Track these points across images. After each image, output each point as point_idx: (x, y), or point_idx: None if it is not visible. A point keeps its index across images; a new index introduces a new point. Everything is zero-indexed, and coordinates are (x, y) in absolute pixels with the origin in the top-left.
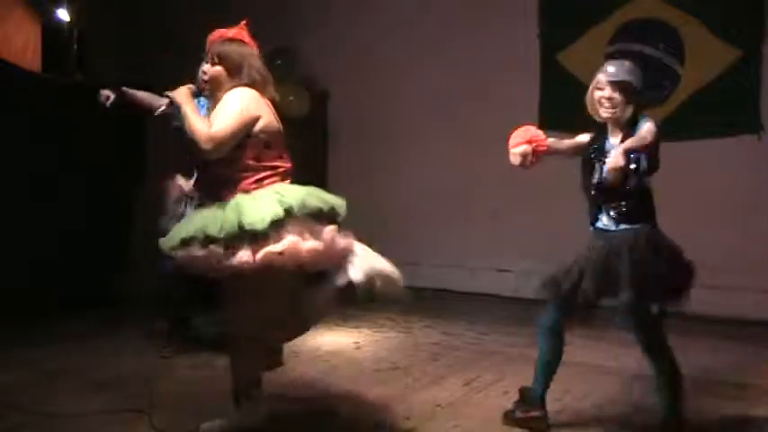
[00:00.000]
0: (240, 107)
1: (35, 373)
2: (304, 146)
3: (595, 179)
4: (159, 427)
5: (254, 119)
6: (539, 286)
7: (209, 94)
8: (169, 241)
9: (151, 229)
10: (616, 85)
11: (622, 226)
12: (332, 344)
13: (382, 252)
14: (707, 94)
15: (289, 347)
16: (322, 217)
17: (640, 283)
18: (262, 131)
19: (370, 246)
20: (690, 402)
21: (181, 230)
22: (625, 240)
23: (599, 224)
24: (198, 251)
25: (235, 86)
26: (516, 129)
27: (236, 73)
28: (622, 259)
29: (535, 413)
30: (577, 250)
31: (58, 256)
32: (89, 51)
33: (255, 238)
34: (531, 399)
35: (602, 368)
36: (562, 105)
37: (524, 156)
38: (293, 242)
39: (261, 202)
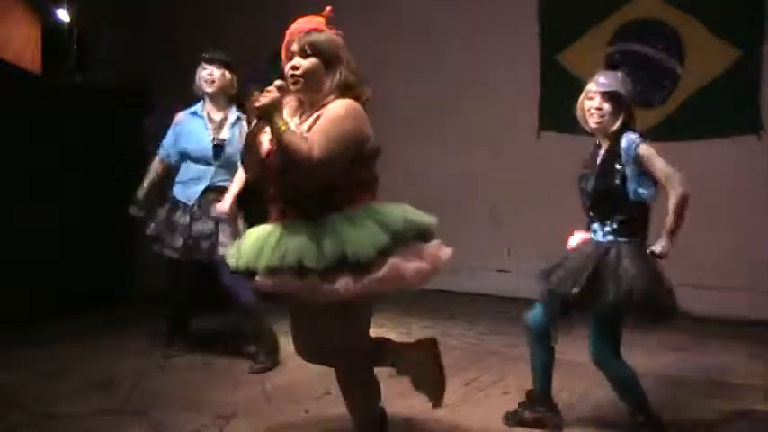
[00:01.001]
0: (348, 125)
1: (35, 373)
2: None
3: (588, 189)
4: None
5: (364, 140)
6: (540, 283)
7: (301, 91)
8: (246, 263)
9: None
10: (606, 95)
11: (610, 238)
12: None
13: None
14: (707, 94)
15: (288, 348)
16: (419, 235)
17: (623, 296)
18: (366, 151)
19: None
20: (690, 402)
21: (263, 255)
22: (611, 253)
23: (591, 233)
24: (292, 281)
25: (338, 91)
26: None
27: (333, 66)
28: (607, 271)
29: (545, 412)
30: (568, 253)
31: (57, 256)
32: (89, 51)
33: (359, 265)
34: (538, 398)
35: None
36: (562, 105)
37: None
38: (396, 266)
39: (363, 230)
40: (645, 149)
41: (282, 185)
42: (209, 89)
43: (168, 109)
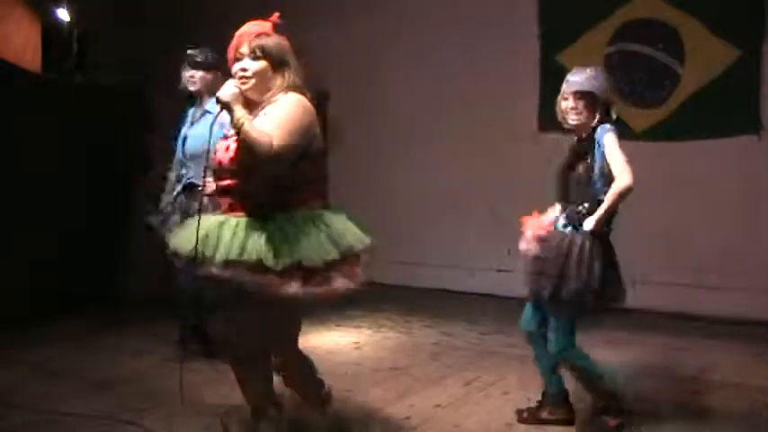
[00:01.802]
0: (302, 118)
1: (35, 373)
2: None
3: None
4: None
5: (314, 134)
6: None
7: (249, 91)
8: (192, 251)
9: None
10: (578, 94)
11: (569, 228)
12: (332, 344)
13: (382, 252)
14: (707, 94)
15: None
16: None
17: (581, 285)
18: (316, 147)
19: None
20: (690, 402)
21: (220, 246)
22: (574, 242)
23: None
24: (249, 276)
25: (286, 90)
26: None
27: (280, 68)
28: (570, 259)
29: (564, 413)
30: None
31: (58, 256)
32: (89, 51)
33: (307, 271)
34: (554, 399)
35: None
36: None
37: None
38: (340, 282)
39: (314, 239)
40: (609, 138)
41: (239, 179)
42: (192, 87)
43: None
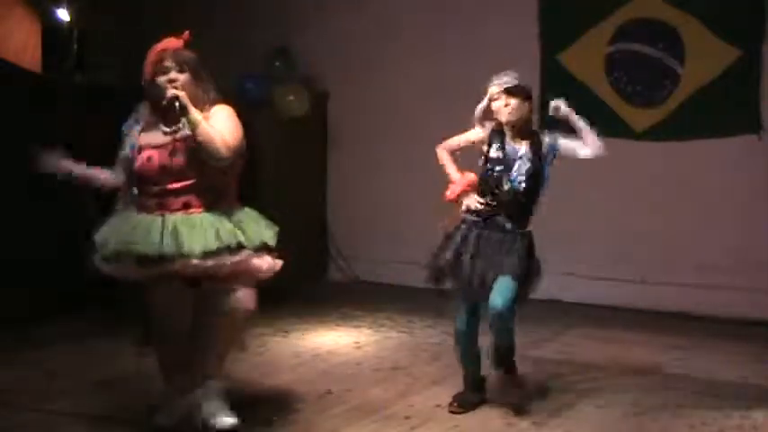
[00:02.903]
0: (239, 124)
1: (35, 373)
2: (304, 146)
3: (505, 186)
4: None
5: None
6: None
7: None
8: (169, 248)
9: None
10: (509, 91)
11: (511, 226)
12: (332, 344)
13: (383, 252)
14: (707, 94)
15: (289, 348)
16: None
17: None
18: (244, 150)
19: (370, 245)
20: (690, 402)
21: (194, 241)
22: (509, 239)
23: (497, 222)
24: (228, 259)
25: (212, 101)
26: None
27: (199, 81)
28: (503, 251)
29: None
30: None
31: (58, 256)
32: (89, 51)
33: (264, 250)
34: (478, 384)
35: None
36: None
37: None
38: (275, 263)
39: (261, 226)
40: (564, 140)
41: (195, 178)
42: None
43: None
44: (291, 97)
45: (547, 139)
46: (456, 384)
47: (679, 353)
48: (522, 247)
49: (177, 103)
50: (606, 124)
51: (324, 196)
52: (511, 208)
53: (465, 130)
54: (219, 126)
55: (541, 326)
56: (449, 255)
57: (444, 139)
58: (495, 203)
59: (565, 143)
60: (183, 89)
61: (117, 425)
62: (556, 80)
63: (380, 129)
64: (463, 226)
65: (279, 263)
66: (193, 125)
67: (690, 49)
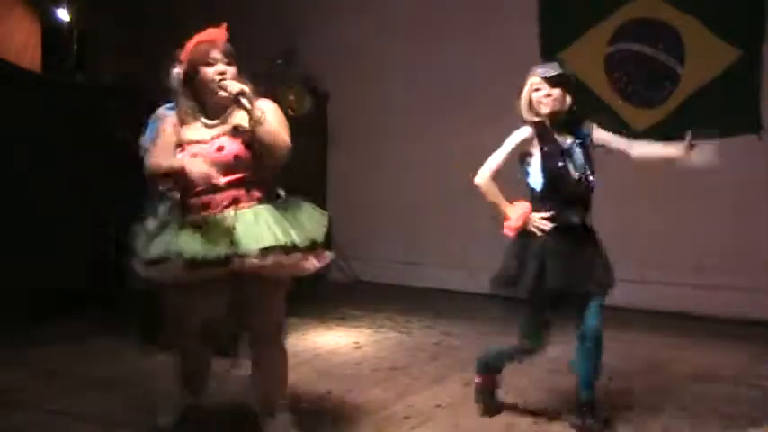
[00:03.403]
0: (284, 118)
1: (35, 373)
2: (304, 146)
3: (576, 176)
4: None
5: None
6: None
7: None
8: (229, 248)
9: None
10: (551, 80)
11: (589, 220)
12: (332, 344)
13: (383, 252)
14: (707, 94)
15: (289, 348)
16: None
17: (600, 275)
18: None
19: (370, 245)
20: (690, 402)
21: (251, 238)
22: (586, 237)
23: (572, 220)
24: (283, 258)
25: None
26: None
27: (240, 73)
28: (585, 253)
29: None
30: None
31: (58, 256)
32: (89, 51)
33: (314, 247)
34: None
35: None
36: None
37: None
38: (325, 257)
39: (313, 220)
40: (598, 130)
41: (251, 171)
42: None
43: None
44: (292, 97)
45: (584, 131)
46: (455, 384)
47: (679, 353)
48: (598, 250)
49: (244, 99)
50: (606, 124)
51: (324, 196)
52: (579, 200)
53: (465, 130)
54: (273, 123)
55: None
56: (524, 265)
57: (444, 138)
58: (562, 203)
59: (605, 135)
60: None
61: (117, 425)
62: None
63: (380, 129)
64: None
65: (322, 259)
66: (257, 122)
67: (690, 49)
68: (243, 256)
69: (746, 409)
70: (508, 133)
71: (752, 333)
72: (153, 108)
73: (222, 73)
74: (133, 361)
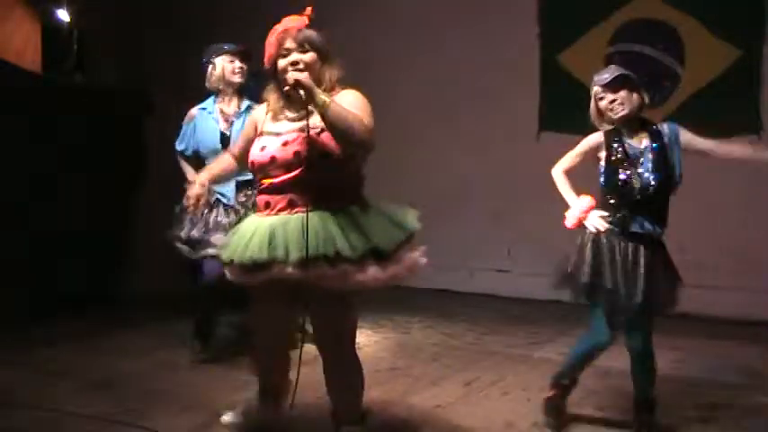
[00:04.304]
0: (369, 106)
1: (35, 373)
2: None
3: (637, 185)
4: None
5: None
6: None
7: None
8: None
9: (150, 228)
10: (612, 85)
11: (657, 229)
12: None
13: None
14: (707, 94)
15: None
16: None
17: (653, 292)
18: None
19: None
20: (689, 402)
21: (291, 246)
22: (649, 248)
23: (631, 228)
24: (327, 270)
25: (338, 84)
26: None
27: (326, 61)
28: (640, 265)
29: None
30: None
31: (57, 256)
32: (89, 51)
33: (381, 256)
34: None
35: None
36: (562, 105)
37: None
38: (415, 259)
39: (383, 224)
40: (685, 132)
41: (309, 171)
42: (239, 79)
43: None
44: None
45: (666, 128)
46: (455, 384)
47: (679, 353)
48: (660, 265)
49: (300, 89)
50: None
51: None
52: (644, 208)
53: (465, 130)
54: (351, 107)
55: (542, 326)
56: (586, 269)
57: (444, 139)
58: (624, 209)
59: (690, 136)
60: (308, 70)
61: (117, 425)
62: (556, 80)
63: (379, 129)
64: (594, 233)
65: (390, 272)
66: (322, 107)
67: (690, 49)
68: (282, 263)
69: (747, 409)
70: (509, 133)
71: (752, 333)
72: (152, 108)
73: (295, 63)
74: (133, 361)
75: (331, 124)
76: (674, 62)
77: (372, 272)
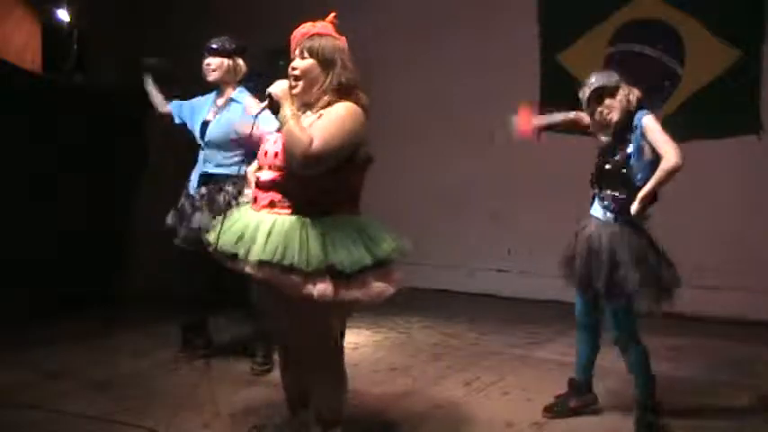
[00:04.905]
0: (349, 125)
1: (35, 373)
2: None
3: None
4: (160, 428)
5: (360, 143)
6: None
7: (301, 91)
8: (228, 246)
9: (151, 228)
10: (596, 93)
11: (614, 216)
12: None
13: None
14: (707, 94)
15: None
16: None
17: (617, 279)
18: (360, 156)
19: None
20: (689, 402)
21: (255, 245)
22: (617, 234)
23: (594, 213)
24: (280, 275)
25: (335, 91)
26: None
27: (326, 67)
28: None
29: (589, 398)
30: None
31: (57, 256)
32: (89, 51)
33: (340, 275)
34: (581, 387)
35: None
36: (562, 105)
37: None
38: (380, 289)
39: (351, 245)
40: (648, 120)
41: (284, 175)
42: (209, 78)
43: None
44: None
45: (636, 116)
46: (455, 384)
47: (678, 353)
48: (631, 251)
49: (269, 99)
50: None
51: None
52: (613, 194)
53: (465, 130)
54: (319, 126)
55: (542, 326)
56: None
57: (444, 139)
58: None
59: (652, 135)
60: (303, 77)
61: (117, 425)
62: (556, 80)
63: (379, 130)
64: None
65: (344, 294)
66: (281, 121)
67: (690, 49)
68: (243, 260)
69: (746, 409)
70: (507, 132)
71: (752, 333)
72: (152, 108)
73: (293, 69)
74: (132, 361)
75: (284, 138)
76: (674, 62)
77: (321, 288)
